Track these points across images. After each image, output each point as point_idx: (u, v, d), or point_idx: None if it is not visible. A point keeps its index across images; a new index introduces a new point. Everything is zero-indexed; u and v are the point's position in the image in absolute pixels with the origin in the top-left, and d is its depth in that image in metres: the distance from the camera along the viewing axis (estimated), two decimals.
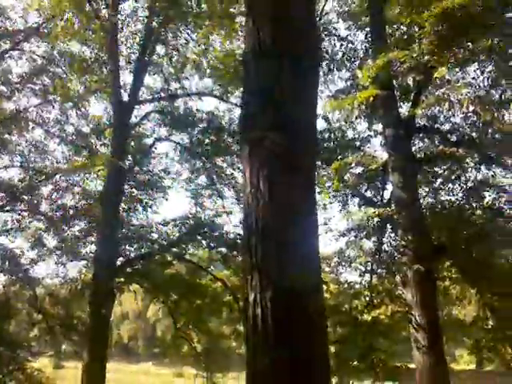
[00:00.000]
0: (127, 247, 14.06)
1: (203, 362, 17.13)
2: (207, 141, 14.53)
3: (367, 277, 12.62)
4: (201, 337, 17.42)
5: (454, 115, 12.04)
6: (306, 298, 2.71)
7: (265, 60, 2.94)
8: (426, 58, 8.57)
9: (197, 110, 14.92)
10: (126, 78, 14.90)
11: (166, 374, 43.44)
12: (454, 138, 11.59)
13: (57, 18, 13.69)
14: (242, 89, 3.42)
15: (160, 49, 14.95)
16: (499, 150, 11.22)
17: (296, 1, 3.09)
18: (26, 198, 14.53)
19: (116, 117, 13.81)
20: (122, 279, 14.03)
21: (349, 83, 12.39)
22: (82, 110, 15.42)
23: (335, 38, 12.79)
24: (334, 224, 23.16)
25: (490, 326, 12.78)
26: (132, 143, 15.07)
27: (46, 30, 14.82)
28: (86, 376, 12.24)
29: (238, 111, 14.65)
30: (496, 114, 10.98)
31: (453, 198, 12.41)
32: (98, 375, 12.41)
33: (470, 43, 9.31)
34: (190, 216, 14.43)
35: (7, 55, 15.55)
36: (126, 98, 14.14)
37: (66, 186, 14.74)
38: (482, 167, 12.14)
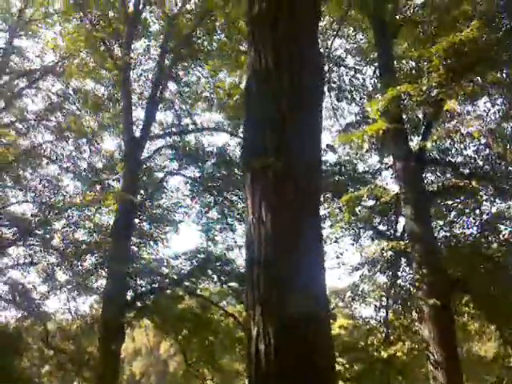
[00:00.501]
0: (138, 281, 13.94)
1: None
2: (218, 175, 14.58)
3: (382, 312, 12.34)
4: (213, 374, 17.03)
5: (465, 148, 12.02)
6: (312, 334, 2.59)
7: (266, 84, 2.91)
8: (436, 91, 8.59)
9: (208, 144, 15.07)
10: (139, 113, 15.17)
11: None
12: (466, 171, 11.51)
13: (72, 57, 14.09)
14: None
15: (171, 85, 15.26)
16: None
17: (299, 27, 3.07)
18: (38, 232, 14.62)
19: (128, 152, 13.96)
20: (133, 314, 13.85)
21: (358, 117, 12.44)
22: (95, 145, 15.65)
23: (344, 69, 12.91)
24: (347, 258, 22.87)
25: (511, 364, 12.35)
26: (143, 178, 15.17)
27: (61, 69, 15.25)
28: None
29: None
30: (508, 146, 10.93)
31: (468, 232, 12.23)
32: None
33: (478, 77, 9.35)
34: (201, 250, 14.32)
35: (24, 93, 15.97)
36: (138, 133, 14.34)
37: (77, 220, 14.81)
38: (497, 200, 12.01)
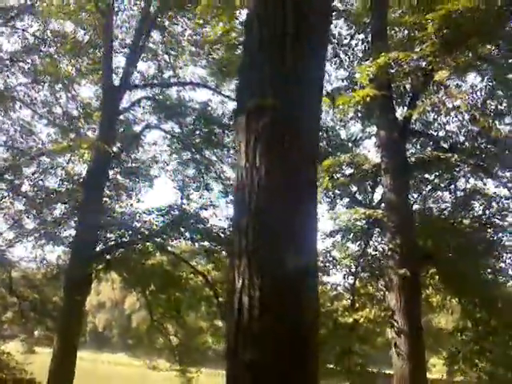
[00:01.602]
0: (108, 234, 13.71)
1: (178, 356, 16.82)
2: (198, 132, 14.27)
3: (350, 279, 12.50)
4: (177, 330, 17.16)
5: (448, 122, 12.01)
6: (300, 289, 2.47)
7: (268, 23, 2.68)
8: (428, 59, 8.42)
9: (189, 100, 14.67)
10: (119, 62, 14.57)
11: (139, 366, 42.96)
12: (447, 145, 11.53)
13: None
14: (237, 70, 3.16)
15: (155, 35, 14.66)
16: (491, 160, 11.18)
17: None
18: (7, 177, 14.14)
19: (106, 101, 13.46)
20: (100, 266, 13.68)
21: (346, 82, 12.22)
22: (72, 92, 15.05)
23: (334, 32, 12.56)
24: (321, 224, 23.04)
25: (468, 338, 12.72)
26: (120, 129, 14.73)
27: (39, 9, 14.43)
28: (55, 363, 11.90)
29: (231, 104, 14.44)
30: (491, 124, 10.94)
31: (442, 206, 12.36)
32: (68, 363, 12.07)
33: (469, 50, 9.21)
34: (175, 207, 14.14)
35: None
36: (117, 82, 13.81)
37: (49, 167, 14.36)
38: (473, 177, 12.12)
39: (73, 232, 13.72)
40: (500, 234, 11.23)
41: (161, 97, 14.83)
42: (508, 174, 11.40)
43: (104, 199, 14.03)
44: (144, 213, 14.15)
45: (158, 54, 14.53)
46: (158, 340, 17.45)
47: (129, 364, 49.56)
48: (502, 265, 11.26)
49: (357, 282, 12.56)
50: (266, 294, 2.41)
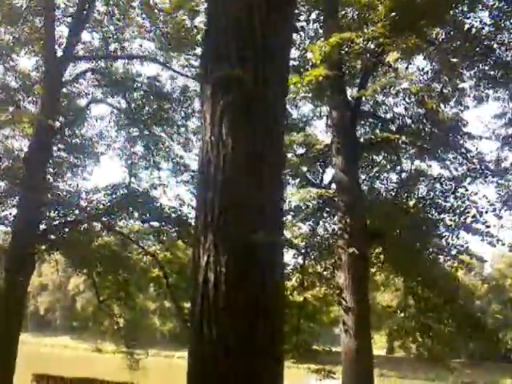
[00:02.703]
0: (51, 213, 13.14)
1: (124, 338, 16.58)
2: (147, 108, 13.84)
3: (300, 259, 12.65)
4: (124, 312, 16.89)
5: (396, 105, 12.27)
6: (266, 265, 2.40)
7: None
8: (379, 41, 8.50)
9: (137, 74, 14.15)
10: (62, 32, 13.78)
11: (84, 349, 42.17)
12: (394, 127, 11.78)
13: None
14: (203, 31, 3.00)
15: (100, 5, 13.95)
16: (436, 142, 11.54)
17: None
18: None
19: (48, 72, 12.71)
20: (44, 247, 13.15)
21: (297, 61, 12.16)
22: (10, 62, 14.14)
23: None
24: None
25: (410, 314, 13.23)
26: (64, 103, 14.03)
27: None
28: None
29: (181, 80, 14.07)
30: (436, 107, 11.26)
31: (389, 187, 12.68)
32: (9, 346, 11.59)
33: (418, 33, 9.37)
34: (123, 185, 13.73)
35: None
36: (60, 53, 13.08)
37: None
38: (418, 159, 12.50)
39: (14, 211, 13.06)
40: (442, 215, 11.67)
41: (107, 70, 14.21)
42: (451, 156, 11.81)
43: (47, 176, 13.40)
44: (90, 191, 13.68)
45: (103, 25, 13.84)
46: (105, 322, 17.11)
47: (73, 347, 48.60)
48: (444, 244, 11.74)
49: (306, 262, 12.73)
50: (231, 270, 2.33)
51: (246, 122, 2.44)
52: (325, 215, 12.39)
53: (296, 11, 13.07)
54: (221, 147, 2.42)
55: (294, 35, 12.68)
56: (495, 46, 10.71)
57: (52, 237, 13.15)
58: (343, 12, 11.41)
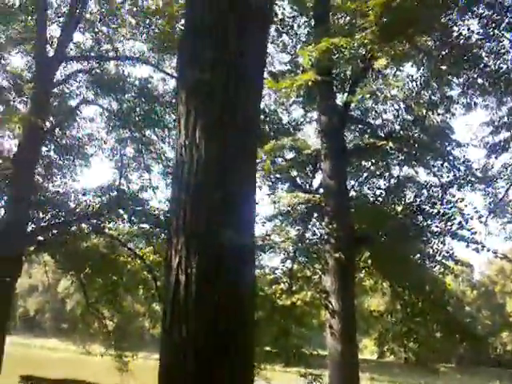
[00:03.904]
0: (40, 214, 13.10)
1: (113, 341, 16.52)
2: (138, 109, 13.84)
3: (288, 263, 12.68)
4: (113, 314, 16.82)
5: (385, 111, 12.38)
6: (237, 267, 2.44)
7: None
8: (369, 47, 8.58)
9: (129, 75, 14.16)
10: (54, 32, 13.78)
11: (73, 351, 41.90)
12: (383, 134, 11.86)
13: None
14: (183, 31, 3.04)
15: (93, 5, 13.96)
16: (423, 149, 11.63)
17: None
18: None
19: (39, 72, 12.70)
20: (32, 248, 13.09)
21: (289, 66, 12.25)
22: (1, 61, 14.11)
23: (278, 14, 12.52)
24: (261, 208, 23.22)
25: (397, 319, 13.29)
26: (54, 103, 14.01)
27: None
28: None
29: (172, 82, 14.09)
30: (425, 114, 11.38)
31: (377, 192, 12.76)
32: None
33: (407, 40, 9.47)
34: (113, 187, 13.71)
35: None
36: (51, 53, 13.07)
37: None
38: (406, 165, 12.59)
39: (1, 211, 13.01)
40: (429, 221, 11.75)
41: (98, 71, 14.20)
42: (439, 163, 11.91)
43: (36, 177, 13.36)
44: (79, 193, 13.66)
45: (95, 26, 13.84)
46: (94, 324, 17.04)
47: (62, 349, 48.23)
48: (430, 250, 11.82)
49: (294, 266, 12.77)
50: (202, 272, 2.36)
51: (218, 126, 2.48)
52: (313, 220, 12.45)
53: (287, 13, 13.22)
54: (194, 151, 2.46)
55: (286, 38, 12.81)
56: (484, 54, 10.87)
57: (40, 238, 13.10)
58: (334, 17, 11.51)
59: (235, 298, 2.42)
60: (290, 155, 12.34)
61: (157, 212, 13.06)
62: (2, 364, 11.71)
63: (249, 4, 2.62)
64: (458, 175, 11.35)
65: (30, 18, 13.44)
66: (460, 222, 10.42)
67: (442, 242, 10.76)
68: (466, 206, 10.56)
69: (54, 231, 13.49)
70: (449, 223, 10.60)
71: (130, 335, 19.02)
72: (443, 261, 11.09)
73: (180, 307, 2.37)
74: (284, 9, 12.18)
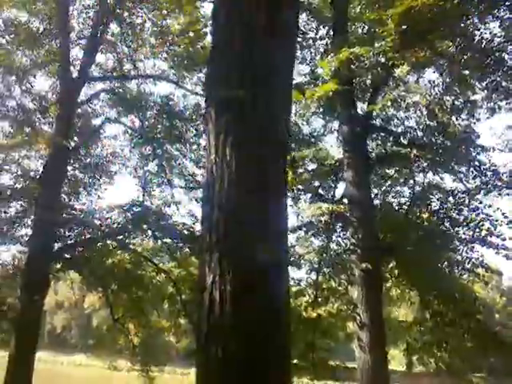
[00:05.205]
0: (66, 232, 13.28)
1: (139, 356, 16.56)
2: (160, 126, 14.02)
3: (313, 274, 12.57)
4: (138, 329, 16.88)
5: (407, 118, 12.26)
6: (271, 282, 2.42)
7: (236, 13, 2.60)
8: (389, 55, 8.54)
9: (150, 93, 14.37)
10: (77, 54, 14.12)
11: (99, 367, 42.16)
12: (406, 141, 11.74)
13: None
14: (209, 54, 3.05)
15: (114, 27, 14.28)
16: (448, 155, 11.47)
17: None
18: None
19: (63, 94, 12.99)
20: (59, 266, 13.26)
21: (308, 77, 12.26)
22: (27, 84, 14.47)
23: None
24: None
25: (426, 329, 13.03)
26: (78, 123, 14.29)
27: None
28: (12, 365, 11.46)
29: (193, 98, 14.25)
30: (448, 120, 11.23)
31: (401, 201, 12.60)
32: (26, 365, 11.64)
33: (428, 46, 9.40)
34: (137, 203, 13.84)
35: None
36: (75, 75, 13.37)
37: (3, 164, 13.78)
38: (431, 172, 12.40)
39: (29, 231, 13.23)
40: (457, 228, 11.53)
41: (120, 90, 14.47)
42: (464, 169, 11.71)
43: (62, 196, 13.59)
44: (104, 210, 13.82)
45: (117, 46, 14.13)
46: (120, 340, 17.13)
47: (89, 365, 48.56)
48: (459, 257, 11.59)
49: (319, 277, 12.65)
50: (237, 289, 2.35)
51: (249, 143, 2.48)
52: (337, 230, 12.35)
53: (306, 25, 13.25)
54: (225, 168, 2.46)
55: (305, 50, 12.83)
56: (506, 56, 10.70)
57: (67, 255, 13.27)
58: (352, 27, 11.51)
59: (271, 313, 2.39)
60: (312, 166, 12.30)
61: (180, 226, 13.12)
62: (31, 380, 11.83)
63: (276, 21, 2.63)
64: (484, 180, 11.14)
65: (53, 41, 13.76)
66: (488, 229, 10.21)
67: (470, 250, 10.53)
68: (494, 211, 10.34)
69: (80, 248, 13.65)
70: (477, 230, 10.40)
71: (155, 350, 19.05)
72: (473, 268, 10.86)
73: (216, 326, 2.35)
74: (303, 21, 12.23)
